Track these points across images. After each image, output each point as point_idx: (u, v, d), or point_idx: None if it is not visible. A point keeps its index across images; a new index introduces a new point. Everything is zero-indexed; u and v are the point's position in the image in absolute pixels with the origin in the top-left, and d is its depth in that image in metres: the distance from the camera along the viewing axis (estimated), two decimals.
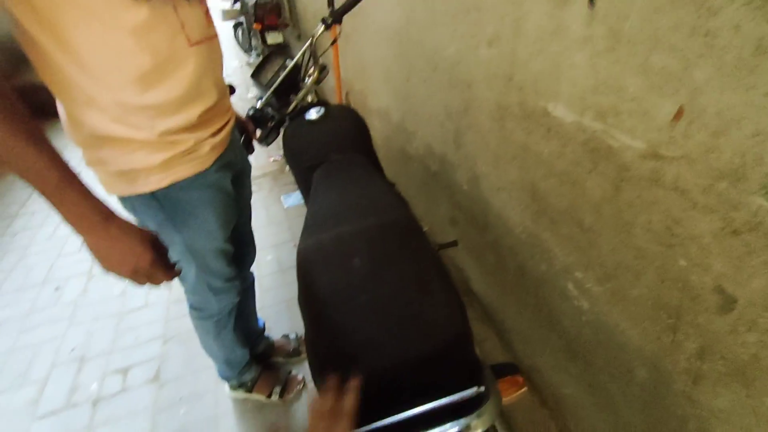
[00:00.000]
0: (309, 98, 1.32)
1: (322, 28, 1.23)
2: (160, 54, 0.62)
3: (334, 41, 1.38)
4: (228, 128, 0.83)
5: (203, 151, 0.75)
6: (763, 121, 0.50)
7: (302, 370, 1.41)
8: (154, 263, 0.61)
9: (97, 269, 1.91)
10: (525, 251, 1.11)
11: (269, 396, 1.31)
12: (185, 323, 1.60)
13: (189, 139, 0.72)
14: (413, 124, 1.70)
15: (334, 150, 1.08)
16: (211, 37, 0.72)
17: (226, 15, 5.22)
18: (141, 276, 0.62)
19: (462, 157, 1.33)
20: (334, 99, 2.85)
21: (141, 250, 0.59)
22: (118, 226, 0.58)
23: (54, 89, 0.61)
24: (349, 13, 1.20)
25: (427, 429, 0.49)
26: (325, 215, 0.83)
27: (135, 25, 0.57)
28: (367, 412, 0.49)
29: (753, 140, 0.51)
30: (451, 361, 0.53)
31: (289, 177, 2.60)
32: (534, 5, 0.82)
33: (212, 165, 0.79)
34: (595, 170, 0.78)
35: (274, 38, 3.76)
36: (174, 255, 0.84)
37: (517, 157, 1.02)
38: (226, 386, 1.34)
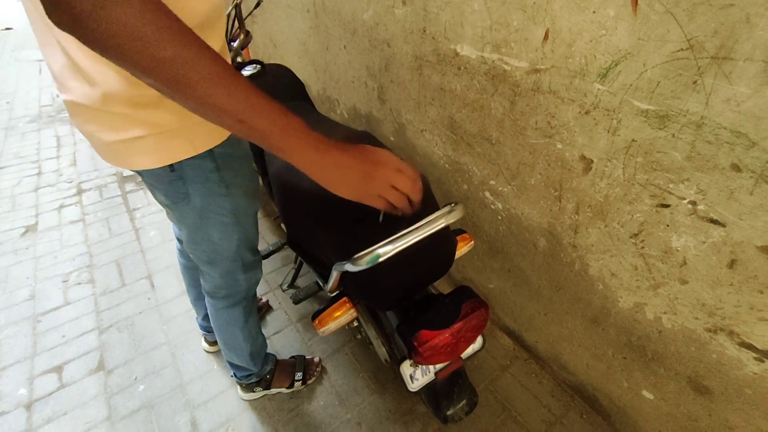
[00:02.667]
0: (238, 59, 1.36)
1: None
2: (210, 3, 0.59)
3: (258, 4, 1.44)
4: None
5: None
6: (594, 29, 0.77)
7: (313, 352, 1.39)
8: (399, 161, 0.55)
9: None
10: (449, 178, 1.34)
11: (290, 386, 1.24)
12: (122, 311, 1.52)
13: None
14: (335, 91, 1.83)
15: (282, 98, 1.17)
16: None
17: None
18: (396, 176, 0.54)
19: (387, 111, 1.52)
20: None
21: (382, 151, 0.55)
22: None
23: None
24: None
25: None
26: None
27: None
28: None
29: (589, 45, 0.79)
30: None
31: None
32: None
33: None
34: (496, 92, 1.03)
35: None
36: (218, 228, 0.81)
37: (436, 98, 1.24)
38: (238, 390, 1.25)
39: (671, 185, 0.76)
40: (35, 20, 0.57)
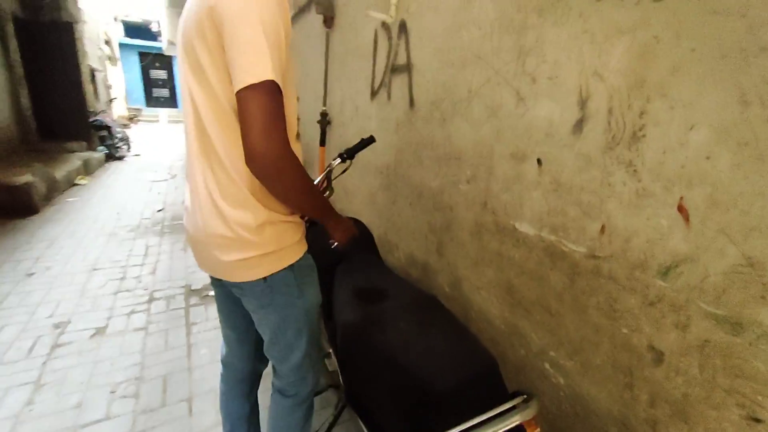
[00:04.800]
0: None
1: (338, 160, 1.60)
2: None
3: (345, 170, 1.75)
4: None
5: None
6: (650, 232, 0.86)
7: None
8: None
9: (48, 378, 1.74)
10: (505, 340, 1.33)
11: None
12: None
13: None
14: (396, 237, 2.02)
15: (353, 251, 1.32)
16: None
17: None
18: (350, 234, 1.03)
19: (444, 264, 1.62)
20: None
21: (352, 223, 1.04)
22: (343, 217, 0.99)
23: None
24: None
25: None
26: (356, 297, 1.03)
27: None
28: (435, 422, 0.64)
29: (647, 244, 0.87)
30: (491, 382, 0.71)
31: None
32: (500, 159, 1.26)
33: None
34: (555, 268, 1.10)
35: None
36: (293, 327, 0.96)
37: (494, 261, 1.34)
38: None
39: (760, 397, 0.71)
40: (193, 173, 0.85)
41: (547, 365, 1.17)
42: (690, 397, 0.82)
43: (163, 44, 10.71)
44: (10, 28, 5.10)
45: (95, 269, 2.78)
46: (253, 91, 0.66)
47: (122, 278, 2.68)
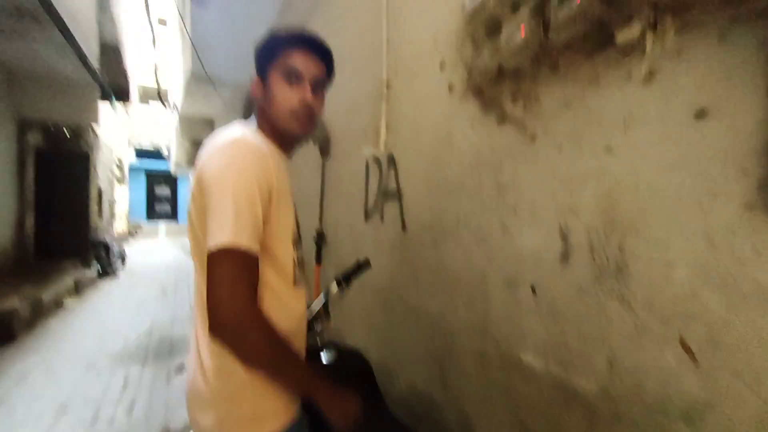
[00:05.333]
0: (319, 339, 1.54)
1: (335, 287, 1.60)
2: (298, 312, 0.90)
3: (342, 296, 1.73)
4: None
5: None
6: (659, 373, 0.82)
7: None
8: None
9: None
10: None
11: None
12: None
13: None
14: (395, 364, 1.90)
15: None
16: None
17: None
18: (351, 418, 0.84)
19: (449, 397, 1.50)
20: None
21: (353, 394, 0.87)
22: (336, 387, 0.83)
23: None
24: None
25: None
26: None
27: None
28: None
29: (660, 385, 0.82)
30: None
31: None
32: (495, 285, 1.26)
33: None
34: (569, 408, 1.01)
35: None
36: None
37: (503, 397, 1.23)
38: None
39: None
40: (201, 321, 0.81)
41: None
42: None
43: (170, 166, 11.62)
44: (31, 159, 5.55)
45: (65, 410, 2.51)
46: (215, 256, 0.69)
47: (93, 421, 2.40)
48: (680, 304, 0.78)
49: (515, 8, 1.04)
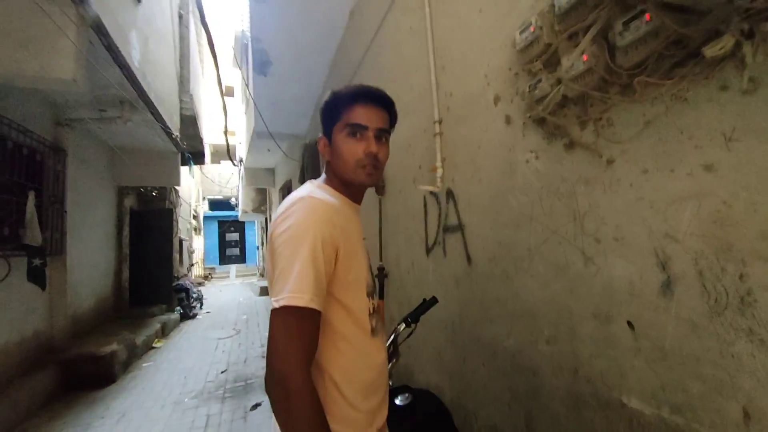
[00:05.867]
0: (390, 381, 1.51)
1: (403, 326, 1.58)
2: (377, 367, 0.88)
3: (411, 334, 1.71)
4: None
5: None
6: None
7: None
8: None
9: None
10: None
11: None
12: None
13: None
14: (472, 403, 1.79)
15: None
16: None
17: (261, 290, 6.17)
18: None
19: None
20: None
21: None
22: None
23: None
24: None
25: None
26: None
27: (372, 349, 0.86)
28: None
29: None
30: None
31: None
32: (581, 320, 1.16)
33: None
34: None
35: None
36: None
37: None
38: None
39: None
40: None
41: None
42: None
43: (238, 213, 12.62)
44: (126, 219, 6.36)
45: None
46: (274, 313, 0.72)
47: None
48: None
49: (573, 37, 1.02)
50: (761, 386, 0.75)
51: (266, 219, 11.50)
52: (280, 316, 0.70)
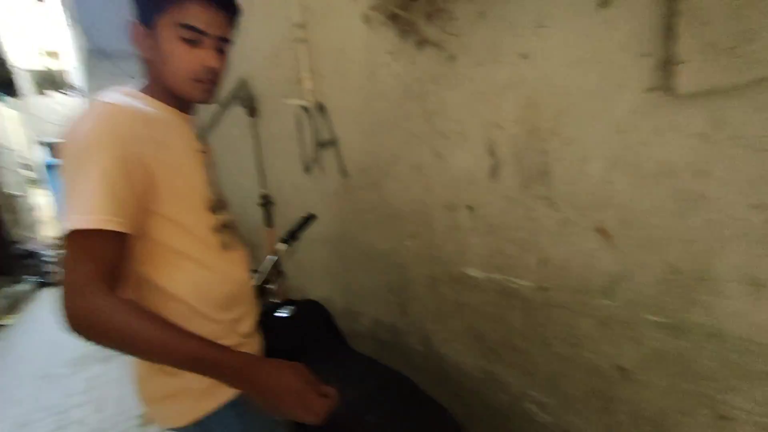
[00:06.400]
0: (274, 299, 1.54)
1: (283, 246, 1.58)
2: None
3: (293, 252, 1.72)
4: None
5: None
6: (581, 257, 0.90)
7: None
8: (313, 380, 0.65)
9: None
10: (486, 389, 1.28)
11: None
12: None
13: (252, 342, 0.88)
14: (358, 304, 1.96)
15: (311, 341, 1.26)
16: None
17: None
18: (307, 402, 0.62)
19: (410, 323, 1.59)
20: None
21: (299, 368, 0.64)
22: (268, 360, 0.65)
23: None
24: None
25: None
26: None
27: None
28: None
29: (583, 269, 0.91)
30: None
31: None
32: (435, 212, 1.30)
33: None
34: (510, 306, 1.11)
35: None
36: None
37: (455, 312, 1.33)
38: None
39: (719, 395, 0.73)
40: None
41: (531, 406, 1.13)
42: (663, 408, 0.82)
43: None
44: None
45: (24, 427, 2.38)
46: (65, 241, 0.61)
47: (61, 428, 2.30)
48: (596, 194, 0.85)
49: None
50: (551, 240, 0.96)
51: None
52: (70, 244, 0.60)
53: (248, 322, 0.91)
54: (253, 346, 0.92)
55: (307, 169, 2.12)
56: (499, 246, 1.10)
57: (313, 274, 2.40)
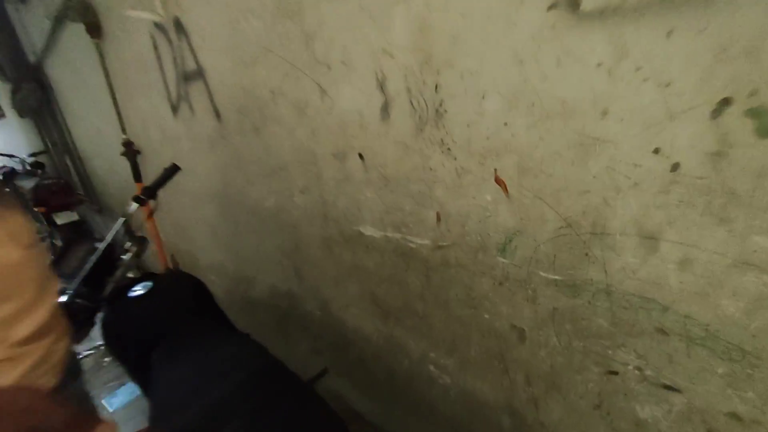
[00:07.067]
0: (130, 274, 1.23)
1: (135, 206, 1.23)
2: None
3: (151, 214, 1.38)
4: None
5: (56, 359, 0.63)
6: (479, 212, 0.79)
7: None
8: None
9: None
10: (386, 354, 1.21)
11: None
12: None
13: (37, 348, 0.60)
14: (251, 270, 1.73)
15: (171, 324, 1.01)
16: None
17: None
18: None
19: (306, 288, 1.42)
20: (158, 266, 2.61)
21: None
22: None
23: None
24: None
25: None
26: (179, 394, 0.75)
27: None
28: None
29: (480, 224, 0.80)
30: None
31: (108, 373, 2.09)
32: (324, 162, 1.09)
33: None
34: (409, 268, 1.00)
35: (66, 217, 3.30)
36: None
37: (353, 275, 1.18)
38: None
39: (609, 351, 0.70)
40: None
41: (432, 368, 1.08)
42: (556, 367, 0.79)
43: None
44: None
45: None
46: None
47: None
48: (494, 138, 0.72)
49: None
50: (448, 192, 0.83)
51: None
52: None
53: (26, 325, 0.64)
54: (35, 355, 0.65)
55: (174, 109, 1.69)
56: (395, 201, 0.95)
57: (199, 238, 2.06)
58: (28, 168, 3.71)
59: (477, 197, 0.78)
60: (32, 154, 3.73)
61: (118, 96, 2.14)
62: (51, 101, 3.44)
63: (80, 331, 1.07)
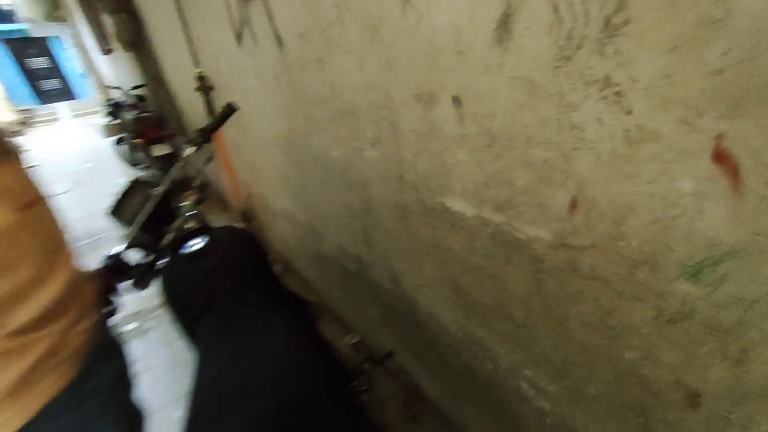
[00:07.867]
0: (190, 224, 1.14)
1: (192, 149, 1.11)
2: None
3: (209, 160, 1.26)
4: None
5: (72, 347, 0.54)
6: (657, 207, 0.47)
7: None
8: None
9: None
10: (466, 350, 0.99)
11: None
12: None
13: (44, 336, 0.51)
14: (321, 225, 1.59)
15: (221, 291, 0.90)
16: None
17: (107, 131, 4.97)
18: None
19: (376, 256, 1.23)
20: (231, 204, 2.67)
21: None
22: None
23: None
24: (232, 124, 1.11)
25: None
26: (210, 400, 0.62)
27: None
28: None
29: (653, 227, 0.48)
30: None
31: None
32: (403, 107, 0.80)
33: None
34: (511, 263, 0.72)
35: (160, 150, 3.54)
36: None
37: (430, 254, 0.94)
38: None
39: None
40: None
41: (524, 385, 0.84)
42: None
43: (24, 24, 8.84)
44: None
45: None
46: None
47: None
48: (731, 74, 0.37)
49: None
50: (600, 166, 0.50)
51: (75, 32, 8.22)
52: None
53: (27, 308, 0.53)
54: (41, 346, 0.54)
55: (239, 37, 1.49)
56: (502, 170, 0.65)
57: (270, 183, 1.97)
58: (132, 101, 3.98)
59: (661, 182, 0.45)
60: (134, 87, 3.96)
61: (188, 27, 2.00)
62: (143, 33, 3.51)
63: (142, 279, 1.03)
